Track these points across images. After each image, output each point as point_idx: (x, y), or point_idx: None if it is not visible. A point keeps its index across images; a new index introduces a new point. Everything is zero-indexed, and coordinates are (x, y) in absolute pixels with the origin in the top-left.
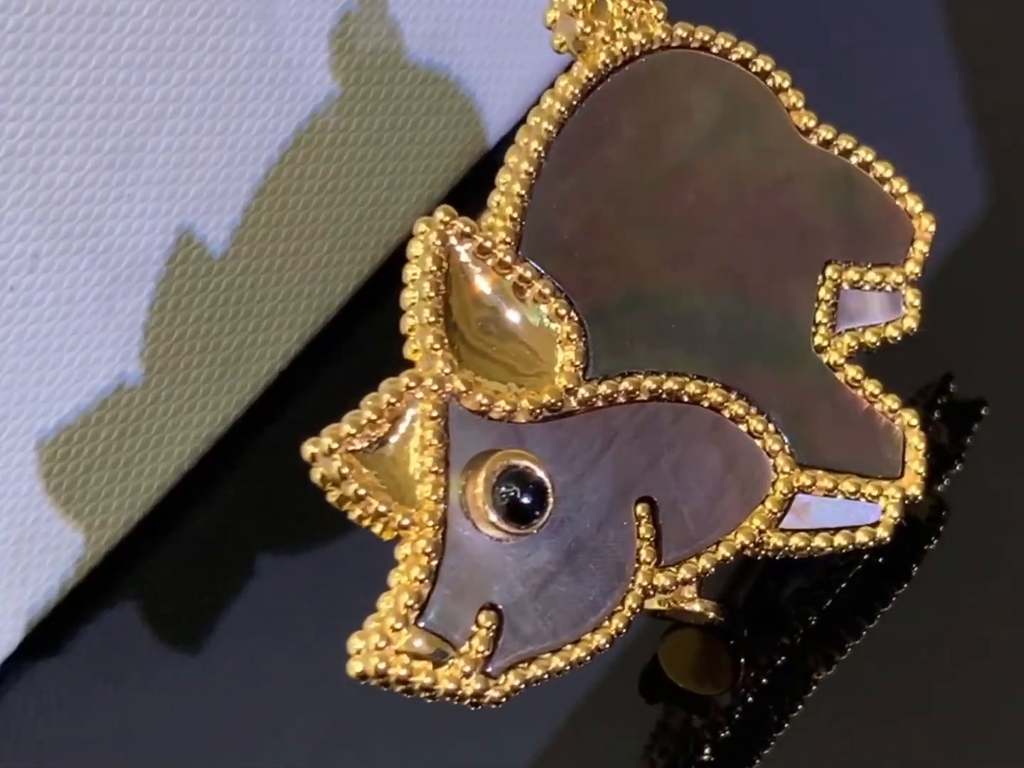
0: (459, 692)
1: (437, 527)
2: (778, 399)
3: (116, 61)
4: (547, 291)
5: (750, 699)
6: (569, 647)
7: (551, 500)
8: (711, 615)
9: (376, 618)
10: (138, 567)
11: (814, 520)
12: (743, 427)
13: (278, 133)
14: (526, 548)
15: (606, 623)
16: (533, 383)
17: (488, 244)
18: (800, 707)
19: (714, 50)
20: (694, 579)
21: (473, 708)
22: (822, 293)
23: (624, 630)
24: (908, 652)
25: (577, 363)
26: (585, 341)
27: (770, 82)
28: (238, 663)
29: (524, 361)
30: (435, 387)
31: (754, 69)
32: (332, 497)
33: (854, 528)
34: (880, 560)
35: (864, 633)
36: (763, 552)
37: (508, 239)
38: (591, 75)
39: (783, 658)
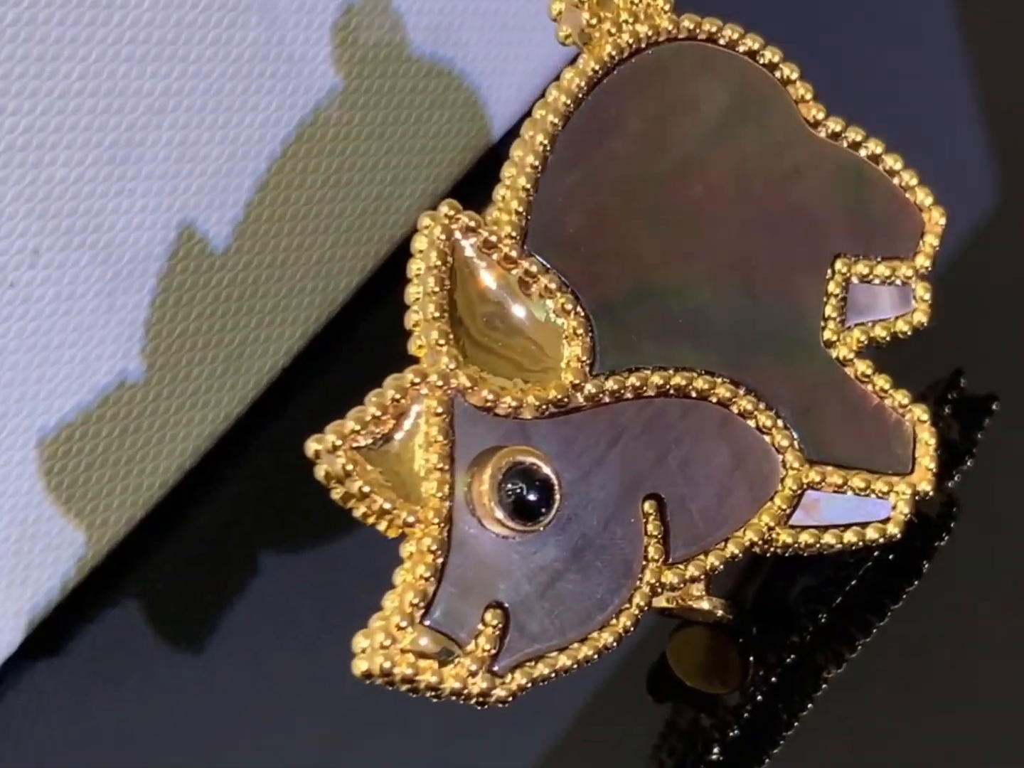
0: (465, 691)
1: (442, 524)
2: (787, 394)
3: (116, 55)
4: (553, 286)
5: (759, 698)
6: (576, 645)
7: (557, 497)
8: (720, 613)
9: (381, 616)
10: (140, 566)
11: (824, 517)
12: (752, 423)
13: (280, 127)
14: (532, 546)
15: (613, 621)
16: (539, 379)
17: (493, 238)
18: (810, 706)
19: (721, 42)
20: (702, 576)
21: (479, 707)
22: (831, 287)
23: (632, 628)
24: (919, 649)
25: (583, 359)
26: (592, 336)
27: (778, 74)
28: (241, 662)
29: (530, 356)
30: (440, 383)
31: (762, 61)
32: (336, 494)
33: (864, 524)
34: (890, 557)
35: (875, 630)
36: (772, 549)
37: (513, 233)
38: (597, 67)
39: (793, 656)
